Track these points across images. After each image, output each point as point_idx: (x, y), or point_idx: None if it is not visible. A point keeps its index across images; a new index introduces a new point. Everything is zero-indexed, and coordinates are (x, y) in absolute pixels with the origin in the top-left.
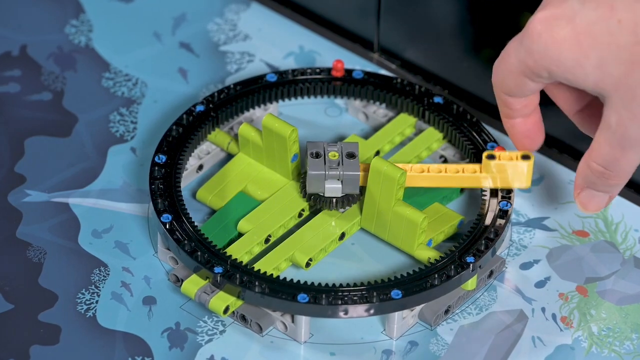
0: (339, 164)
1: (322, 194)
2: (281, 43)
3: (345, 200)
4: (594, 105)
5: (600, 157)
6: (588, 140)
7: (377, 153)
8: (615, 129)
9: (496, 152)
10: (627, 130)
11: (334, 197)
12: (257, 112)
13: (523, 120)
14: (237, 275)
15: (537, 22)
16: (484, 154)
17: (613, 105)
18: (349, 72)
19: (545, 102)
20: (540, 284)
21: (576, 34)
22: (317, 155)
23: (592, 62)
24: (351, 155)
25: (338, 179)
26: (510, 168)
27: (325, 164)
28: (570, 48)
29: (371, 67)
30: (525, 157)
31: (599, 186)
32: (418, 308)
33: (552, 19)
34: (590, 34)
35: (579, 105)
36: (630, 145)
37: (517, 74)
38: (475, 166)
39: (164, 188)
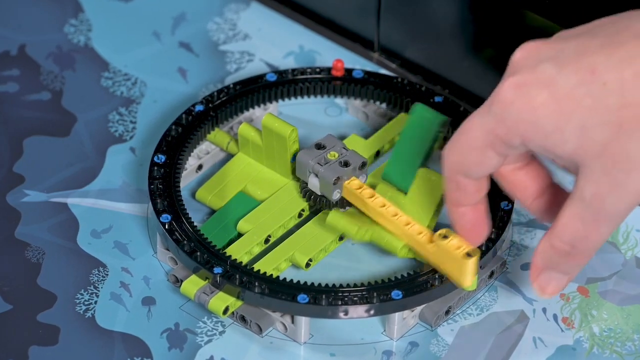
0: (326, 164)
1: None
2: (281, 42)
3: (346, 201)
4: (555, 190)
5: (569, 234)
6: None
7: (378, 153)
8: (590, 201)
9: (452, 234)
10: (604, 201)
11: (334, 198)
12: (256, 112)
13: (473, 208)
14: (237, 276)
15: (509, 88)
16: (439, 233)
17: (591, 174)
18: (349, 71)
19: None
20: None
21: (555, 99)
22: (321, 147)
23: (573, 126)
24: (345, 164)
25: (317, 176)
26: (451, 259)
27: (317, 156)
28: (549, 113)
29: (371, 67)
30: (469, 255)
31: (561, 267)
32: (419, 308)
33: (525, 85)
34: (571, 98)
35: (539, 188)
36: (605, 219)
37: (481, 148)
38: (423, 229)
39: (163, 188)
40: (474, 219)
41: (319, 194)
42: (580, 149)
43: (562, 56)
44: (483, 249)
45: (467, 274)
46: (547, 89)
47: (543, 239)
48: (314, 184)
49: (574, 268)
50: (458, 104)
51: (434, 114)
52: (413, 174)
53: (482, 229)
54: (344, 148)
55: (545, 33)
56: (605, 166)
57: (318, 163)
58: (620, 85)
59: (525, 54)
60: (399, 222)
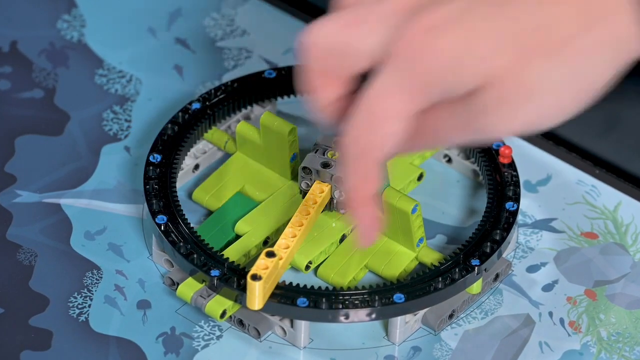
0: (327, 166)
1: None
2: (280, 39)
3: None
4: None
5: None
6: (597, 139)
7: None
8: (480, 125)
9: (276, 251)
10: (495, 128)
11: (334, 198)
12: (255, 110)
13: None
14: (235, 279)
15: (417, 34)
16: (265, 251)
17: (489, 103)
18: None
19: None
20: (547, 288)
21: (465, 33)
22: (320, 149)
23: (478, 56)
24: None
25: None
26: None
27: (317, 152)
28: (457, 48)
29: None
30: (255, 278)
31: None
32: (421, 312)
33: (434, 27)
34: (479, 31)
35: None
36: (477, 133)
37: (399, 113)
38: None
39: (159, 188)
40: (377, 212)
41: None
42: (484, 78)
43: None
44: (488, 250)
45: (251, 295)
46: (459, 26)
47: None
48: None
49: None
50: None
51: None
52: None
53: (379, 224)
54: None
55: None
56: (503, 93)
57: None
58: (529, 13)
59: None
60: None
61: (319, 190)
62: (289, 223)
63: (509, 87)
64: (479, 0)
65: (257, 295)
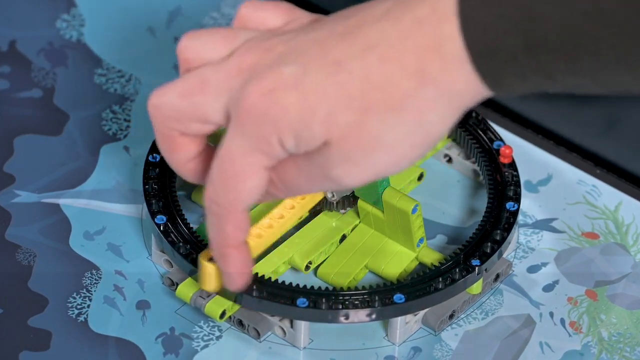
0: None
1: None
2: None
3: (347, 201)
4: (210, 151)
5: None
6: (597, 138)
7: None
8: (332, 178)
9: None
10: (342, 180)
11: (334, 198)
12: None
13: (244, 246)
14: None
15: (258, 98)
16: (203, 255)
17: (334, 158)
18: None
19: (551, 100)
20: (548, 288)
21: (304, 96)
22: None
23: (321, 117)
24: None
25: None
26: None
27: None
28: (300, 111)
29: None
30: (212, 259)
31: None
32: (422, 313)
33: (274, 91)
34: (318, 92)
35: (197, 149)
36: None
37: (254, 171)
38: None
39: (158, 188)
40: (246, 256)
41: (331, 196)
42: (327, 136)
43: (304, 54)
44: (488, 251)
45: (204, 277)
46: (295, 90)
47: None
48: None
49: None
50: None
51: None
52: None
53: (251, 266)
54: None
55: None
56: (347, 148)
57: None
58: (366, 71)
59: (252, 56)
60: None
61: (290, 206)
62: (269, 214)
63: (351, 144)
64: (312, 66)
65: (213, 277)
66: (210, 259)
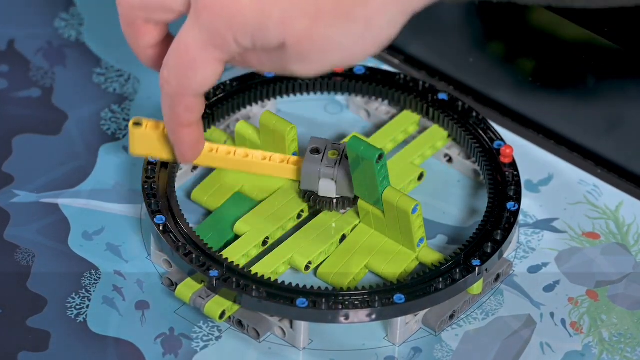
0: (335, 164)
1: (316, 192)
2: None
3: (346, 201)
4: (168, 41)
5: None
6: (598, 138)
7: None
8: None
9: (143, 121)
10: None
11: (334, 198)
12: (254, 109)
13: (196, 125)
14: (234, 279)
15: None
16: (132, 121)
17: (291, 58)
18: (350, 67)
19: (552, 99)
20: (549, 288)
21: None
22: (317, 152)
23: (275, 20)
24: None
25: (332, 179)
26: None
27: (321, 161)
28: (255, 12)
29: (373, 63)
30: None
31: None
32: (422, 313)
33: None
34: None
35: (158, 36)
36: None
37: (204, 65)
38: (283, 157)
39: (157, 188)
40: (196, 137)
41: (335, 196)
42: (282, 39)
43: None
44: (489, 251)
45: (130, 141)
46: None
47: None
48: (328, 188)
49: None
50: (463, 101)
51: (366, 149)
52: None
53: (201, 144)
54: (334, 144)
55: (552, 28)
56: (302, 50)
57: (327, 167)
58: None
59: None
60: (259, 161)
61: (280, 160)
62: (257, 167)
63: (306, 47)
64: None
65: (136, 140)
66: (136, 124)
